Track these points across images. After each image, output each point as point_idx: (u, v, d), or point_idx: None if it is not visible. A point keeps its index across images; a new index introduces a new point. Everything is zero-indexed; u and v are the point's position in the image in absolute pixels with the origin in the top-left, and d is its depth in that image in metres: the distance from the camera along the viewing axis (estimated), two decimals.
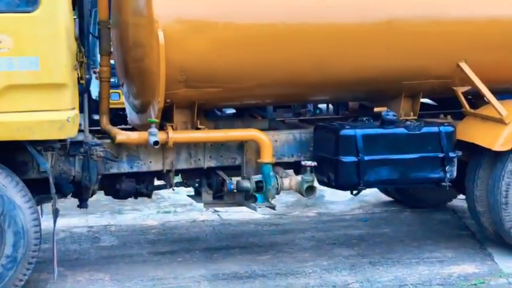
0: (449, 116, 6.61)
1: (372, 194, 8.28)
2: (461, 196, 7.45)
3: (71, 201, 6.58)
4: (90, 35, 6.17)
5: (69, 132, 5.11)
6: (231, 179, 5.98)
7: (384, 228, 7.23)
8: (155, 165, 5.88)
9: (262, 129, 6.04)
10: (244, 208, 6.33)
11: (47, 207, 6.00)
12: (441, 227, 7.23)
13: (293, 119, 7.36)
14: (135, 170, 5.83)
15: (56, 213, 5.21)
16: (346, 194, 7.78)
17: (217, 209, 7.67)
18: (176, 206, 8.06)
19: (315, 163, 5.85)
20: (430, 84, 6.29)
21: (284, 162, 6.19)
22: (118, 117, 8.69)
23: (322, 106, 11.69)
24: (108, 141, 5.74)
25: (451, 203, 7.93)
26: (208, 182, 6.15)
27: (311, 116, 9.82)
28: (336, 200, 8.26)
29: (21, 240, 5.07)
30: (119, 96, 9.72)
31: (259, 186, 5.84)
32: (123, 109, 6.84)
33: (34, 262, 5.17)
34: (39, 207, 5.60)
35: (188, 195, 6.61)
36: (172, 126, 5.77)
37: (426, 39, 6.00)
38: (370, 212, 7.87)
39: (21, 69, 4.92)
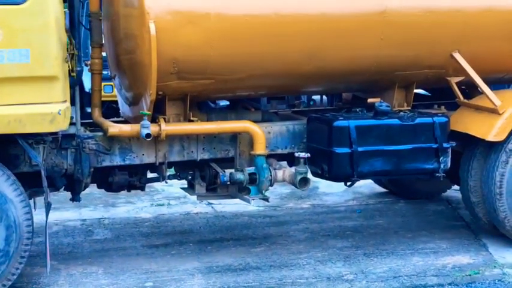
0: (443, 107, 6.60)
1: (366, 185, 8.26)
2: (455, 187, 7.45)
3: (64, 195, 6.56)
4: (82, 28, 6.12)
5: (61, 125, 5.06)
6: (224, 171, 5.95)
7: (378, 219, 7.22)
8: (148, 158, 5.85)
9: (255, 121, 6.01)
10: (238, 200, 6.31)
11: (40, 200, 5.97)
12: (435, 218, 7.22)
13: (287, 110, 7.33)
14: (127, 162, 5.80)
15: (48, 207, 5.18)
16: (340, 186, 7.76)
17: (211, 201, 7.65)
18: (170, 199, 8.03)
19: (309, 154, 5.83)
20: (423, 74, 6.27)
21: (277, 154, 6.17)
22: (111, 109, 8.65)
23: (316, 97, 11.66)
24: (101, 134, 5.70)
25: (445, 193, 7.92)
26: (202, 175, 6.12)
27: (305, 107, 9.80)
28: (330, 191, 8.25)
29: (13, 234, 5.04)
30: (112, 88, 9.67)
31: (253, 178, 5.82)
32: (117, 102, 6.80)
33: (27, 256, 5.14)
34: (31, 201, 5.57)
35: (181, 188, 6.58)
36: (164, 118, 5.73)
37: (420, 29, 5.98)
38: (364, 204, 7.85)
39: (12, 62, 4.87)
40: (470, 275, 5.63)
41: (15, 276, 5.12)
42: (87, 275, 5.69)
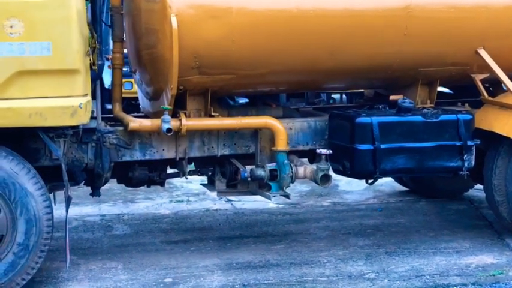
0: (467, 104, 6.51)
1: (387, 184, 8.18)
2: (478, 186, 7.36)
3: (84, 190, 6.55)
4: (103, 23, 6.10)
5: (82, 119, 5.03)
6: (245, 167, 5.90)
7: (400, 218, 7.14)
8: (168, 153, 5.81)
9: (276, 117, 5.96)
10: (257, 197, 6.26)
11: (59, 195, 5.96)
12: (458, 217, 7.13)
13: (307, 107, 7.27)
14: (147, 157, 5.77)
15: (68, 201, 5.15)
16: (361, 184, 7.73)
17: (230, 198, 7.61)
18: (189, 195, 7.99)
19: (330, 151, 5.76)
20: (447, 71, 6.18)
21: (299, 151, 6.11)
22: (130, 106, 8.63)
23: (336, 96, 11.60)
24: (121, 128, 5.67)
25: (467, 193, 7.82)
26: (222, 171, 6.08)
27: (324, 105, 9.73)
28: (350, 189, 8.18)
29: (33, 227, 5.01)
30: (132, 85, 9.66)
31: (274, 175, 5.76)
32: (136, 98, 6.77)
33: (46, 250, 5.11)
34: (51, 196, 5.55)
35: (201, 184, 6.54)
36: (185, 113, 5.69)
37: (444, 25, 5.89)
38: (385, 202, 7.77)
39: (33, 55, 4.85)
40: (494, 275, 5.54)
41: (34, 270, 5.10)
42: (107, 270, 5.66)
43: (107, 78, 8.69)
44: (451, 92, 7.24)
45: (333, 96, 11.53)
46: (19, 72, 4.84)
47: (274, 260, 5.85)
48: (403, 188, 8.12)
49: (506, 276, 5.53)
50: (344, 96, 11.34)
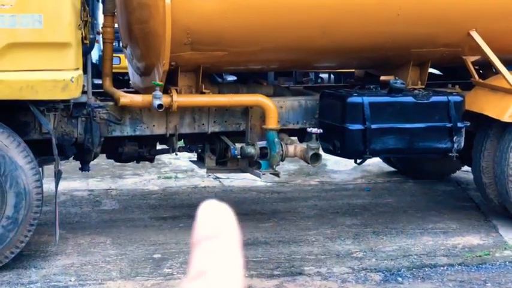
0: (457, 86, 6.53)
1: (375, 164, 8.21)
2: (465, 168, 7.40)
3: (72, 165, 6.52)
4: None
5: (73, 93, 5.00)
6: (235, 144, 5.90)
7: (387, 198, 7.17)
8: (158, 129, 5.79)
9: (267, 96, 5.94)
10: (245, 175, 6.26)
11: (48, 169, 5.93)
12: (445, 198, 7.18)
13: (297, 86, 7.26)
14: (138, 133, 5.75)
15: (58, 175, 5.13)
16: (349, 164, 7.74)
17: (218, 175, 7.60)
18: (177, 172, 7.98)
19: (321, 130, 5.76)
20: (439, 52, 6.19)
21: (289, 129, 6.11)
22: (118, 81, 8.57)
23: (324, 75, 11.60)
24: (111, 103, 5.64)
25: (455, 174, 7.87)
26: (212, 148, 6.07)
27: (312, 84, 9.72)
28: (338, 169, 8.20)
29: (22, 201, 4.99)
30: (120, 60, 9.59)
31: (264, 153, 5.76)
32: (124, 73, 6.72)
33: (35, 224, 5.10)
34: (40, 170, 5.51)
35: (191, 161, 6.53)
36: (176, 89, 5.67)
37: (437, 6, 5.89)
38: (372, 182, 7.80)
39: (24, 27, 4.80)
40: (480, 256, 5.59)
41: (23, 244, 5.08)
42: (95, 244, 5.66)
43: (93, 52, 8.62)
44: (441, 73, 7.25)
45: (321, 75, 11.53)
46: (10, 44, 4.79)
47: (263, 238, 5.87)
48: (391, 169, 8.16)
49: (492, 257, 5.58)
50: (332, 76, 11.35)
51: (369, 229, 6.16)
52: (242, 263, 0.95)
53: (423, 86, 6.29)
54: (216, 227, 0.95)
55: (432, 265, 5.39)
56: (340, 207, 6.81)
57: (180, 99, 5.59)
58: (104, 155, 6.03)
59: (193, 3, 5.37)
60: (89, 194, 7.10)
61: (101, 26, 5.99)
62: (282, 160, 5.83)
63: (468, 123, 5.96)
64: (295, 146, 5.86)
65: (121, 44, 6.38)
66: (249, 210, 6.69)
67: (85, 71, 5.34)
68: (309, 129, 5.81)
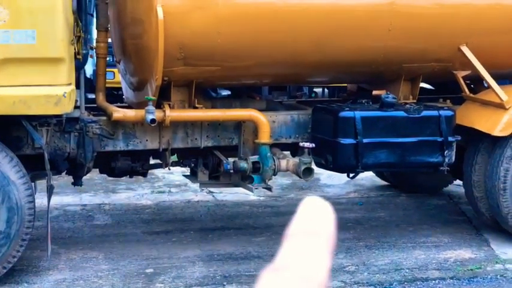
0: (448, 101, 6.57)
1: (367, 178, 8.23)
2: (457, 182, 7.43)
3: (65, 180, 6.52)
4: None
5: (66, 108, 5.02)
6: (227, 159, 5.92)
7: (380, 212, 7.20)
8: (151, 144, 5.81)
9: (260, 110, 5.97)
10: (239, 189, 6.27)
11: (40, 184, 5.93)
12: (437, 212, 7.20)
13: (291, 100, 7.29)
14: (131, 148, 5.77)
15: (50, 190, 5.14)
16: (342, 178, 7.76)
17: (211, 190, 7.62)
18: (170, 186, 7.99)
19: (313, 145, 5.79)
20: (430, 67, 6.23)
21: (281, 144, 6.13)
22: (112, 96, 8.60)
23: (318, 90, 11.64)
24: (104, 118, 5.66)
25: (447, 188, 7.90)
26: (205, 162, 6.09)
27: (306, 99, 9.76)
28: (332, 183, 8.22)
29: (15, 216, 5.00)
30: (114, 75, 9.62)
31: (256, 167, 5.78)
32: (118, 88, 6.74)
33: (28, 239, 5.10)
34: (32, 184, 5.52)
35: (184, 175, 6.55)
36: (169, 104, 5.69)
37: (428, 21, 5.94)
38: (365, 196, 7.82)
39: (18, 43, 4.83)
40: (472, 270, 5.61)
41: (15, 259, 5.08)
42: (88, 259, 5.65)
43: (87, 67, 8.64)
44: (432, 88, 7.30)
45: (314, 90, 11.57)
46: (3, 59, 4.82)
47: (256, 252, 5.88)
48: (384, 183, 8.18)
49: (484, 271, 5.60)
50: (326, 90, 11.40)
51: (361, 243, 6.17)
52: (329, 265, 0.93)
53: (415, 101, 6.33)
54: (314, 224, 0.93)
55: (424, 279, 5.41)
56: None
57: (173, 114, 5.62)
58: (97, 169, 6.04)
59: (186, 18, 5.41)
60: (81, 208, 7.10)
61: (94, 41, 6.02)
62: (275, 174, 5.85)
63: (459, 138, 6.00)
64: (287, 161, 5.89)
65: (115, 59, 6.40)
66: (242, 224, 6.70)
67: (78, 86, 5.36)
68: (301, 144, 5.83)
